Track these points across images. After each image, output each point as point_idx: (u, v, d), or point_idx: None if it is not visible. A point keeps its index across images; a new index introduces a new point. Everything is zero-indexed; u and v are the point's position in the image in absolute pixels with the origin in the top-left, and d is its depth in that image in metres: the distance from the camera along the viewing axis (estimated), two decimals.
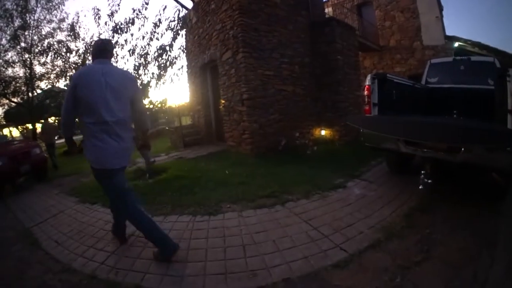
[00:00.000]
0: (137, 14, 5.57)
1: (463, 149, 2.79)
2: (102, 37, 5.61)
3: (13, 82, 12.35)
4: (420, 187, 3.29)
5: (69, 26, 5.81)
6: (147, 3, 5.65)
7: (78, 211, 4.49)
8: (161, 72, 5.73)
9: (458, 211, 2.98)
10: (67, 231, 3.75)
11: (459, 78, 5.12)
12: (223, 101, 7.42)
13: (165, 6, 5.70)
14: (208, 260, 2.46)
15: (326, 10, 12.30)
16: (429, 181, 3.27)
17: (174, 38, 5.69)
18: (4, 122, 12.94)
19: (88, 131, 2.45)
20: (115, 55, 5.56)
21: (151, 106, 6.12)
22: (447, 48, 11.20)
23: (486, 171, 3.71)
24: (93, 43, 3.48)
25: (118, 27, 5.52)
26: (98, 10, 5.66)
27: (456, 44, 11.24)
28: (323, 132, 6.92)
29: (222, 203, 3.67)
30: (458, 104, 4.72)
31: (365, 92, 4.06)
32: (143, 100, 3.32)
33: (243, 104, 6.52)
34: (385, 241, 2.49)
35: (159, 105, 6.21)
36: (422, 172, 3.32)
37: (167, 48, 5.66)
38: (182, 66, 6.51)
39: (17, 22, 11.55)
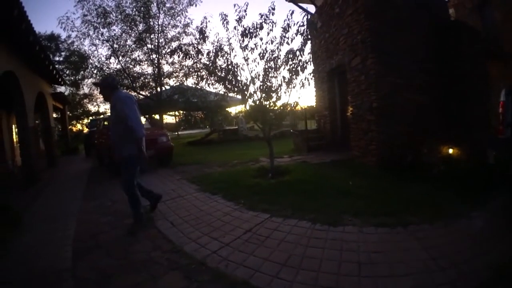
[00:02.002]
0: (264, 19, 5.79)
1: None
2: (232, 41, 6.15)
3: (141, 78, 14.30)
4: None
5: (197, 29, 6.45)
6: (273, 9, 5.85)
7: (197, 198, 4.90)
8: (292, 76, 5.90)
9: None
10: (184, 215, 4.14)
11: None
12: (351, 108, 7.30)
13: (293, 11, 5.79)
14: (321, 271, 2.48)
15: (450, 11, 10.55)
16: None
17: (304, 43, 5.80)
18: None
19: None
20: (245, 58, 6.09)
21: (279, 108, 6.40)
22: None
23: None
24: (105, 79, 4.71)
25: (247, 31, 5.83)
26: (226, 15, 5.98)
27: None
28: (450, 151, 6.03)
29: (343, 215, 3.64)
30: None
31: (500, 110, 3.49)
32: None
33: (372, 113, 6.29)
34: (495, 282, 2.16)
35: (290, 108, 6.43)
36: None
37: (297, 52, 5.78)
38: (313, 70, 6.58)
39: (140, 26, 13.37)
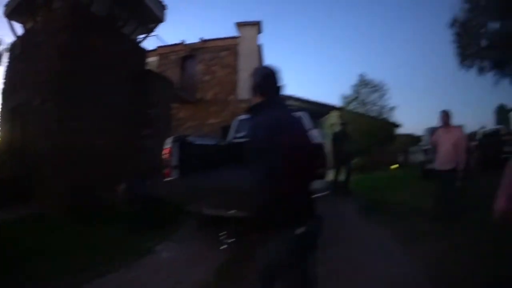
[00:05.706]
0: None
1: None
2: None
3: None
4: (221, 247, 3.41)
5: None
6: None
7: None
8: None
9: None
10: None
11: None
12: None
13: None
14: None
15: (152, 59, 12.36)
16: (232, 239, 3.40)
17: None
18: None
19: None
20: None
21: None
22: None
23: None
24: None
25: None
26: None
27: None
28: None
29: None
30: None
31: (165, 156, 3.93)
32: None
33: (51, 157, 5.77)
34: None
35: None
36: (223, 232, 3.46)
37: None
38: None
39: None
